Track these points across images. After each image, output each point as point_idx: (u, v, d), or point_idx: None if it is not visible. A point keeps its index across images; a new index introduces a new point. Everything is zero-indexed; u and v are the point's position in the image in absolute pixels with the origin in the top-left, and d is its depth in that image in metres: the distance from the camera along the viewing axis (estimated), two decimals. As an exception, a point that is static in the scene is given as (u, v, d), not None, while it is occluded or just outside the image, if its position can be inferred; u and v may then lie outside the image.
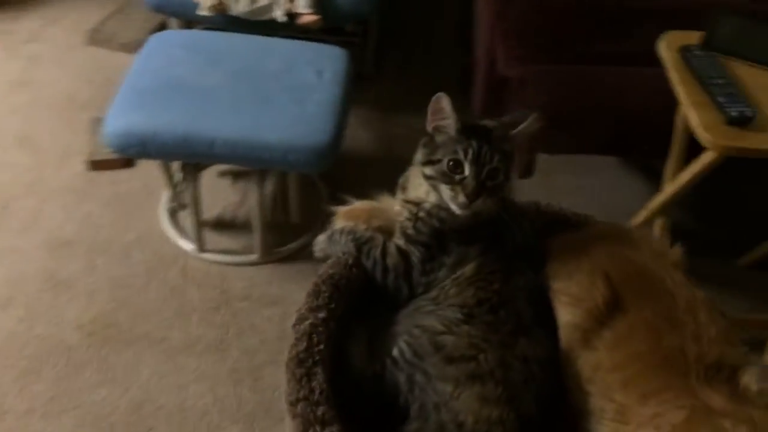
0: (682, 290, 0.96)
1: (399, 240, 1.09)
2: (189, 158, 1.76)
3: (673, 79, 1.57)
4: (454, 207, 1.03)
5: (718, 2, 1.81)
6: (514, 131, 1.05)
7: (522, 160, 1.65)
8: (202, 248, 1.95)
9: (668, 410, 0.83)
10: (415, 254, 1.07)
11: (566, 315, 0.99)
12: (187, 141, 1.63)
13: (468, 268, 1.05)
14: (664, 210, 1.73)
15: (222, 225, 2.04)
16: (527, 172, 1.89)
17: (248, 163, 1.75)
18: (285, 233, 2.01)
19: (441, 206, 1.06)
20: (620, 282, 0.97)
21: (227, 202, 2.11)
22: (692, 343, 0.88)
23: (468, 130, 1.05)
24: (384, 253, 1.08)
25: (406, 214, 1.09)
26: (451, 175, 1.03)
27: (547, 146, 1.85)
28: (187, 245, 1.96)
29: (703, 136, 1.42)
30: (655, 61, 1.66)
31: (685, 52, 1.58)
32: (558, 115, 1.82)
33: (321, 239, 1.16)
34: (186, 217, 1.97)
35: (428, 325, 0.99)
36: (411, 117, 2.41)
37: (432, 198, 1.07)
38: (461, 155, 1.02)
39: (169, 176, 1.97)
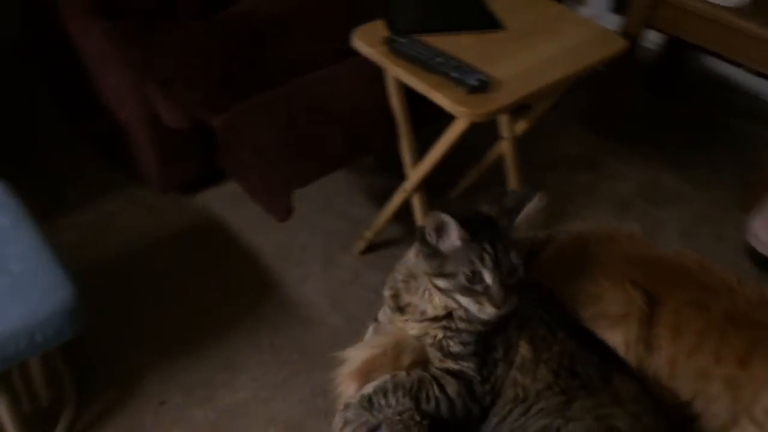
0: (686, 259, 1.01)
1: (445, 363, 0.92)
2: None
3: (395, 72, 1.60)
4: (483, 317, 0.90)
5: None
6: (519, 217, 0.94)
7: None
8: None
9: None
10: (471, 368, 0.92)
11: (617, 336, 0.97)
12: None
13: (522, 351, 0.95)
14: (420, 186, 1.79)
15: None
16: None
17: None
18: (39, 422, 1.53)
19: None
20: (644, 280, 0.98)
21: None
22: (732, 295, 0.95)
23: (476, 233, 0.92)
24: (441, 386, 0.90)
25: (439, 333, 0.91)
26: (471, 288, 0.90)
27: (298, 180, 1.71)
28: None
29: (459, 111, 1.50)
30: (321, 63, 1.74)
31: (391, 43, 1.60)
32: (294, 144, 1.70)
33: (351, 416, 0.88)
34: None
35: (543, 427, 0.86)
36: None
37: (454, 304, 0.90)
38: (479, 265, 0.90)
39: None
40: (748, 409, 0.90)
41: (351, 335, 1.80)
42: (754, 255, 2.11)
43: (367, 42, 1.65)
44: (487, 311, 0.92)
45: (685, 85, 2.84)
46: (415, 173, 1.77)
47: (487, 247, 0.92)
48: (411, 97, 1.66)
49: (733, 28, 2.00)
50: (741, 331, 0.94)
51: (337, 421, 0.95)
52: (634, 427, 0.90)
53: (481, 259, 0.91)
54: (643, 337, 0.98)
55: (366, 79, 1.76)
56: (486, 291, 0.91)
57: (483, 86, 1.51)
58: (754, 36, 1.97)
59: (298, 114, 1.74)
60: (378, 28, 1.68)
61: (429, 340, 0.97)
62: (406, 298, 0.99)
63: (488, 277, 0.91)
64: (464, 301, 0.93)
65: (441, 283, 0.94)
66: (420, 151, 1.77)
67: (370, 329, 1.16)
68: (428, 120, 1.76)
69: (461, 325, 0.95)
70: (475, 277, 0.91)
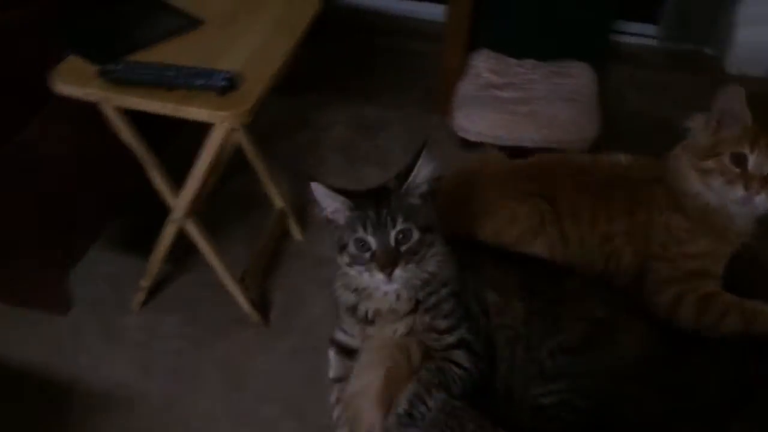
0: (545, 158, 1.10)
1: (445, 340, 0.96)
2: None
3: (125, 102, 1.42)
4: (379, 287, 0.88)
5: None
6: (411, 176, 0.90)
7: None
8: None
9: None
10: (465, 332, 0.96)
11: (543, 243, 1.04)
12: None
13: (490, 297, 1.00)
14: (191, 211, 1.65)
15: None
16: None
17: None
18: None
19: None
20: (534, 187, 1.05)
21: None
22: (598, 166, 1.07)
23: (362, 202, 0.93)
24: (456, 363, 0.93)
25: (426, 318, 0.91)
26: (361, 255, 0.91)
27: (71, 258, 1.45)
28: None
29: (222, 116, 1.40)
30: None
31: (107, 74, 1.41)
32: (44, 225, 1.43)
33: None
34: None
35: (551, 350, 0.89)
36: None
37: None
38: (361, 231, 0.90)
39: None
40: (647, 253, 1.06)
41: (184, 393, 1.65)
42: (471, 146, 2.39)
43: (75, 82, 1.42)
44: (377, 277, 0.93)
45: (336, 24, 2.99)
46: (183, 197, 1.62)
47: (371, 213, 0.93)
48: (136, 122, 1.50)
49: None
50: (619, 190, 1.09)
51: None
52: (607, 311, 1.01)
53: (364, 226, 0.92)
54: (558, 234, 1.08)
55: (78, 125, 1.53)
56: (372, 257, 0.91)
57: (233, 83, 1.42)
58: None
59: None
60: (77, 65, 1.45)
61: (420, 328, 0.95)
62: (366, 305, 0.95)
63: (372, 242, 0.92)
64: (358, 270, 0.95)
65: (344, 259, 0.95)
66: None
67: (331, 354, 1.08)
68: (166, 140, 1.62)
69: (433, 300, 0.95)
70: (362, 244, 0.93)
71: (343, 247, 0.96)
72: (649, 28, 3.02)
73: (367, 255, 0.93)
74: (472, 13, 2.37)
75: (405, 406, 0.93)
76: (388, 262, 0.91)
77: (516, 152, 2.26)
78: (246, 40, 1.57)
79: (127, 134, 1.53)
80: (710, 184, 0.98)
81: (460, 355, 0.97)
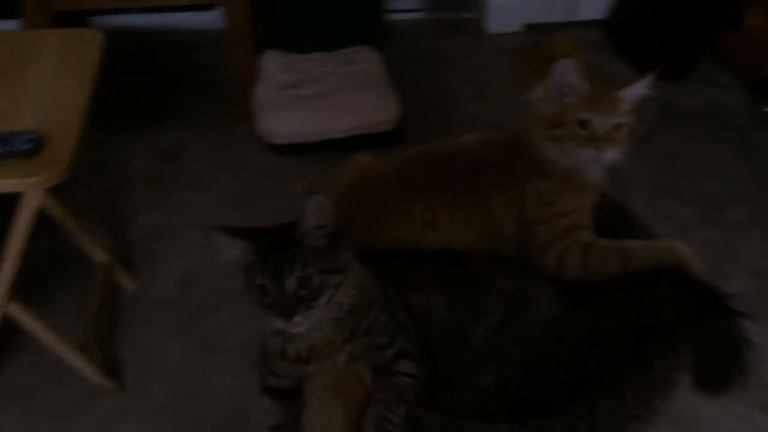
0: (410, 152, 1.11)
1: (387, 354, 0.96)
2: None
3: None
4: (278, 329, 0.90)
5: None
6: (304, 221, 0.85)
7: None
8: None
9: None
10: (403, 342, 0.97)
11: (438, 235, 1.04)
12: None
13: (413, 301, 1.03)
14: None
15: None
16: None
17: None
18: None
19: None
20: (414, 183, 1.07)
21: None
22: (455, 150, 1.11)
23: (263, 244, 0.88)
24: (405, 373, 0.95)
25: (364, 341, 0.91)
26: (262, 299, 0.89)
27: None
28: None
29: (35, 183, 1.24)
30: None
31: None
32: None
33: None
34: None
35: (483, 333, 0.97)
36: None
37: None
38: (259, 276, 0.87)
39: None
40: (525, 220, 1.12)
41: None
42: (283, 150, 2.36)
43: None
44: (277, 324, 0.91)
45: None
46: (1, 281, 1.42)
47: (269, 258, 0.89)
48: None
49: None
50: (487, 169, 1.13)
51: None
52: (515, 283, 1.06)
53: (262, 271, 0.90)
54: (449, 223, 1.10)
55: None
56: (272, 304, 0.89)
57: (38, 144, 1.26)
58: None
59: None
60: None
61: (361, 352, 0.92)
62: (293, 346, 0.90)
63: (270, 289, 0.89)
64: (264, 315, 0.92)
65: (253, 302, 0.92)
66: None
67: (266, 403, 1.01)
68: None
69: (366, 322, 0.92)
70: (263, 291, 0.90)
71: (247, 290, 0.91)
72: (413, 2, 3.18)
73: (268, 300, 0.90)
74: (252, 15, 2.32)
75: (372, 430, 0.91)
76: (284, 310, 0.88)
77: (328, 145, 2.31)
78: (34, 95, 1.39)
79: None
80: (563, 149, 1.06)
81: (405, 365, 0.97)
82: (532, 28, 3.10)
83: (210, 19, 2.84)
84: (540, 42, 2.78)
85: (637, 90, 1.08)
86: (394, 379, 0.95)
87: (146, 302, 1.90)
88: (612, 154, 1.07)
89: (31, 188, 1.25)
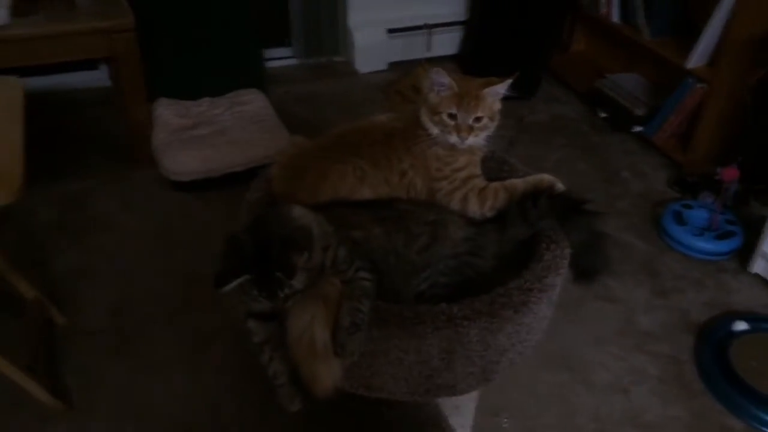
0: (338, 131, 1.34)
1: (348, 273, 1.17)
2: None
3: None
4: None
5: None
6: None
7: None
8: None
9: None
10: (358, 261, 1.19)
11: (367, 189, 1.31)
12: None
13: (354, 235, 1.26)
14: None
15: None
16: None
17: None
18: None
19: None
20: (345, 150, 1.31)
21: None
22: (379, 127, 1.38)
23: (257, 273, 1.11)
24: (366, 280, 1.17)
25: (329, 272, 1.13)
26: (258, 300, 1.15)
27: None
28: None
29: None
30: None
31: None
32: None
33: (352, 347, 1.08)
34: None
35: (419, 249, 1.26)
36: None
37: None
38: (255, 291, 1.13)
39: None
40: (430, 177, 1.37)
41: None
42: (188, 187, 2.52)
43: None
44: (264, 305, 1.16)
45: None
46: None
47: (264, 284, 1.12)
48: None
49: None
50: (396, 139, 1.37)
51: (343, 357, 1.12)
52: (435, 215, 1.32)
53: (259, 290, 1.13)
54: (375, 180, 1.33)
55: None
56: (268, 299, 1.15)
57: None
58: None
59: None
60: None
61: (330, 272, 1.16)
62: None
63: (268, 300, 1.14)
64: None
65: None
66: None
67: (251, 324, 1.22)
68: None
69: (327, 262, 1.18)
70: (258, 297, 1.14)
71: (243, 294, 1.16)
72: (286, 51, 3.47)
73: (262, 302, 1.15)
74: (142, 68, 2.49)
75: (348, 318, 1.13)
76: (277, 305, 1.15)
77: (229, 179, 2.49)
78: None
79: None
80: (440, 130, 1.35)
81: (362, 275, 1.20)
82: (396, 65, 3.48)
83: (96, 78, 2.98)
84: (405, 74, 3.14)
85: (498, 89, 1.39)
86: (358, 283, 1.18)
87: (79, 333, 1.98)
88: (472, 140, 1.36)
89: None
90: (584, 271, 1.33)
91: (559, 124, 3.16)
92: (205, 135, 2.59)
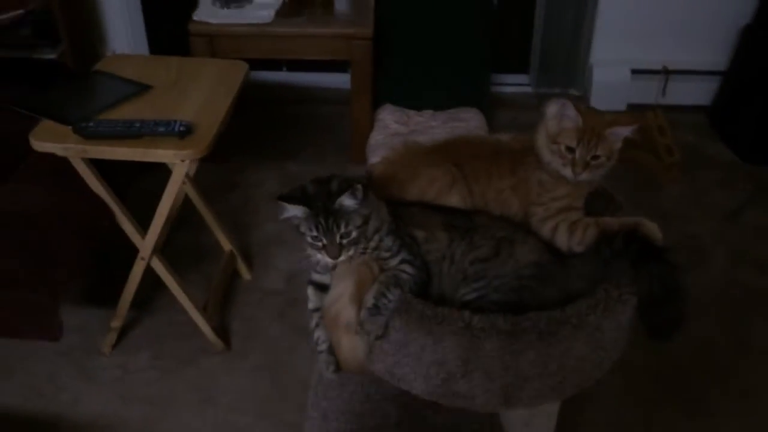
0: (449, 139, 1.45)
1: (393, 261, 1.25)
2: None
3: (99, 153, 1.67)
4: (323, 263, 1.25)
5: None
6: (338, 201, 1.20)
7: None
8: None
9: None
10: (405, 254, 1.27)
11: (456, 196, 1.36)
12: None
13: (418, 234, 1.31)
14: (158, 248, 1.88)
15: None
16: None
17: None
18: None
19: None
20: (444, 157, 1.38)
21: None
22: (490, 141, 1.43)
23: (315, 207, 1.20)
24: (404, 271, 1.26)
25: (373, 253, 1.24)
26: (315, 244, 1.23)
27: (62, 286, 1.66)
28: None
29: (184, 155, 1.67)
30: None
31: (82, 130, 1.66)
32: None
33: (369, 327, 1.19)
34: None
35: (472, 260, 1.30)
36: None
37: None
38: (314, 230, 1.21)
39: None
40: (528, 201, 1.39)
41: (162, 414, 1.83)
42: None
43: (53, 140, 1.66)
44: (326, 260, 1.24)
45: (250, 99, 3.34)
46: (150, 234, 1.85)
47: (321, 219, 1.21)
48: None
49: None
50: (504, 157, 1.42)
51: (362, 336, 1.21)
52: (507, 232, 1.35)
53: (316, 227, 1.22)
54: (466, 190, 1.40)
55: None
56: (324, 247, 1.23)
57: (189, 129, 1.70)
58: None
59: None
60: (50, 127, 1.70)
61: (372, 256, 1.27)
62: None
63: (324, 239, 1.23)
64: (312, 251, 1.25)
65: (304, 239, 1.25)
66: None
67: (310, 290, 1.37)
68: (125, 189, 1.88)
69: (373, 244, 1.26)
70: (315, 239, 1.23)
71: (301, 234, 1.24)
72: (522, 78, 3.54)
73: (319, 245, 1.23)
74: (374, 75, 2.76)
75: (372, 300, 1.22)
76: (334, 253, 1.23)
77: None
78: (192, 99, 1.85)
79: (96, 182, 1.76)
80: (554, 160, 1.35)
81: (405, 268, 1.28)
82: (633, 107, 3.36)
83: (341, 81, 3.34)
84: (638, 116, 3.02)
85: (622, 132, 1.34)
86: (396, 272, 1.26)
87: (256, 290, 2.30)
88: (585, 176, 1.33)
89: (181, 158, 1.67)
90: (653, 327, 1.23)
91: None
92: (414, 142, 2.78)
